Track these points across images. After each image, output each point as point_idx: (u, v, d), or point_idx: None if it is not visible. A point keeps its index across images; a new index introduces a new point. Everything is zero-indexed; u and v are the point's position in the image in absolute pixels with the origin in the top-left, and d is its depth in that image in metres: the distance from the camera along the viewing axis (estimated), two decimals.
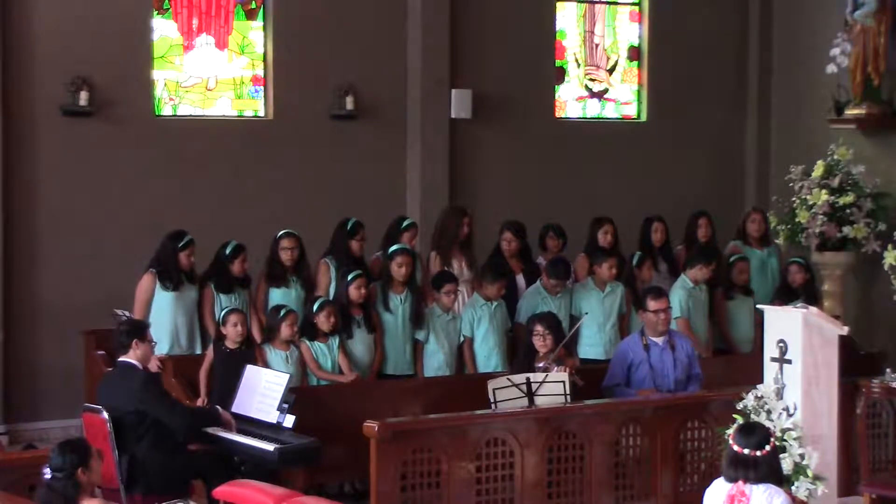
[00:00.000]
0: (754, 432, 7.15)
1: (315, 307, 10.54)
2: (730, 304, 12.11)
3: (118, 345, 9.26)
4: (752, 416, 8.40)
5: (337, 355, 10.55)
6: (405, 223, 11.67)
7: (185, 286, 10.82)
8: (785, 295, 11.69)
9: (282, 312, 10.37)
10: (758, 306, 10.47)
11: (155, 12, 13.11)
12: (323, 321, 10.49)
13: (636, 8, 15.61)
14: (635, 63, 15.63)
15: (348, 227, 11.33)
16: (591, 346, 11.64)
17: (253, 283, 11.15)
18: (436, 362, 11.05)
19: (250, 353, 10.19)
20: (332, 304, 10.62)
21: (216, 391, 10.12)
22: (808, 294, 11.78)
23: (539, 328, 10.29)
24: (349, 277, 10.74)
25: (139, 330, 9.30)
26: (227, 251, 10.94)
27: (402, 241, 11.43)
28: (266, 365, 10.15)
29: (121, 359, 9.24)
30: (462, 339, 11.20)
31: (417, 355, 11.07)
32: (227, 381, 9.93)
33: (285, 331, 10.33)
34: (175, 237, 10.88)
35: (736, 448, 7.08)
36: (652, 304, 10.53)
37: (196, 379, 10.36)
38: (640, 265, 11.90)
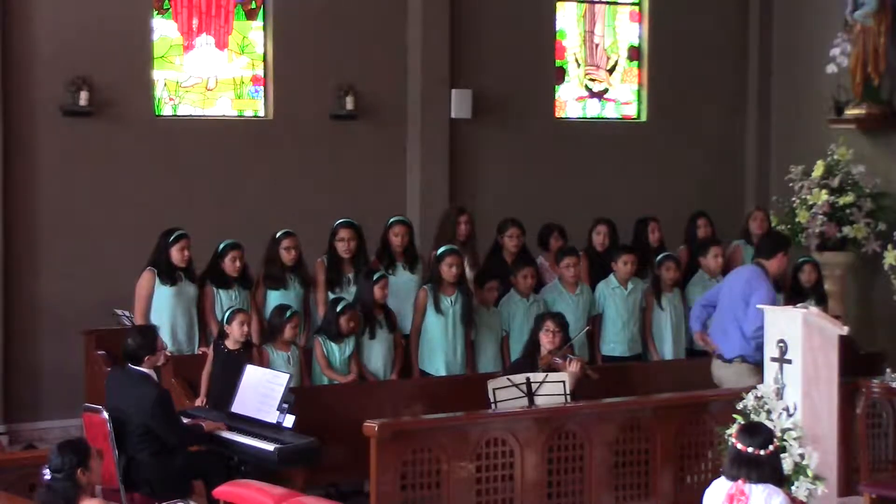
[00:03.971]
0: (758, 432, 7.17)
1: (339, 308, 10.52)
2: None
3: (130, 356, 9.22)
4: (752, 416, 8.41)
5: (347, 357, 10.55)
6: (390, 220, 11.62)
7: (183, 283, 10.81)
8: (796, 294, 11.68)
9: (287, 314, 10.36)
10: (758, 306, 10.46)
11: (155, 12, 13.12)
12: (344, 324, 10.49)
13: (636, 8, 15.61)
14: (635, 63, 15.63)
15: (332, 229, 11.33)
16: (615, 343, 11.65)
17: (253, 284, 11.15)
18: (486, 358, 11.14)
19: (249, 353, 10.18)
20: (354, 308, 10.61)
21: (215, 391, 10.11)
22: (818, 294, 11.79)
23: (550, 324, 10.30)
24: (374, 278, 10.74)
25: (152, 342, 9.28)
26: (220, 249, 10.95)
27: (390, 238, 11.42)
28: (266, 365, 10.16)
29: (131, 366, 9.22)
30: (503, 333, 11.29)
31: (469, 354, 11.13)
32: (225, 382, 9.92)
33: (289, 332, 10.33)
34: (167, 233, 10.89)
35: (739, 447, 7.09)
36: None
37: (195, 379, 10.34)
38: (661, 265, 11.90)
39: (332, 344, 10.52)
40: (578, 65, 15.35)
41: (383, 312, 10.79)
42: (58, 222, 12.64)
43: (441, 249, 11.15)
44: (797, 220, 13.92)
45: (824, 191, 13.87)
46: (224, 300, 10.83)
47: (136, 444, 8.95)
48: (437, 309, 10.98)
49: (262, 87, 13.69)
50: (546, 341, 10.27)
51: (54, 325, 12.47)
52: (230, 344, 10.13)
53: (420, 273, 11.43)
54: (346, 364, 10.57)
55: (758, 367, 9.63)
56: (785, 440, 8.26)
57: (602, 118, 15.54)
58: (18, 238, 12.49)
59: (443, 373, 10.95)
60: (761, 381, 9.10)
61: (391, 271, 11.20)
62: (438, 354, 10.98)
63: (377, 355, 10.73)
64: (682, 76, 15.58)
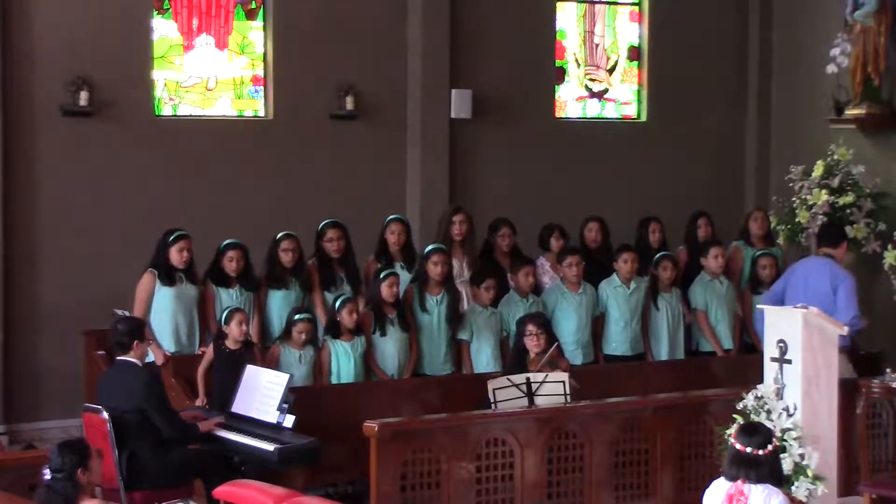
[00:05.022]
0: (757, 432, 7.19)
1: (337, 304, 10.54)
2: (756, 299, 12.02)
3: (118, 345, 9.28)
4: (752, 416, 8.41)
5: (360, 355, 10.54)
6: (387, 219, 11.63)
7: (183, 284, 10.81)
8: None
9: (296, 317, 10.39)
10: (758, 306, 10.47)
11: (155, 12, 13.11)
12: (346, 317, 10.48)
13: (636, 8, 15.61)
14: (635, 63, 15.63)
15: (318, 230, 11.33)
16: (617, 343, 11.65)
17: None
18: (484, 359, 11.10)
19: (250, 353, 10.19)
20: (353, 302, 10.62)
21: (216, 392, 10.11)
22: None
23: (531, 328, 10.29)
24: (381, 276, 10.76)
25: (138, 329, 9.34)
26: (220, 248, 10.97)
27: (387, 236, 11.43)
28: (274, 362, 10.18)
29: (119, 357, 9.26)
30: (503, 333, 11.26)
31: (463, 354, 11.11)
32: (227, 382, 9.93)
33: (295, 335, 10.36)
34: (167, 234, 10.90)
35: (738, 447, 7.10)
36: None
37: (196, 379, 10.35)
38: (658, 264, 11.89)
39: (342, 343, 10.52)
40: (578, 65, 15.35)
41: (396, 311, 10.79)
42: (58, 222, 12.64)
43: (428, 248, 11.16)
44: (797, 220, 13.90)
45: (824, 191, 13.85)
46: (224, 300, 10.83)
47: (135, 436, 8.96)
48: (422, 307, 10.98)
49: (262, 87, 13.68)
50: (532, 345, 10.25)
51: (54, 325, 12.47)
52: (230, 344, 10.14)
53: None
54: (361, 362, 10.56)
55: (849, 354, 10.53)
56: (785, 440, 8.25)
57: (602, 118, 15.53)
58: (18, 238, 12.48)
59: (426, 371, 10.97)
60: (852, 369, 10.04)
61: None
62: (422, 352, 10.97)
63: (390, 354, 10.74)
64: (682, 76, 15.58)
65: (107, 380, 9.41)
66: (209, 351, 10.31)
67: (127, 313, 11.10)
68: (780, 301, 10.69)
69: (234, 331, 10.10)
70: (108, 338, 11.20)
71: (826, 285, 10.62)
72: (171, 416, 9.14)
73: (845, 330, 8.75)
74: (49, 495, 7.22)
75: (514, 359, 10.41)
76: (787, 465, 8.11)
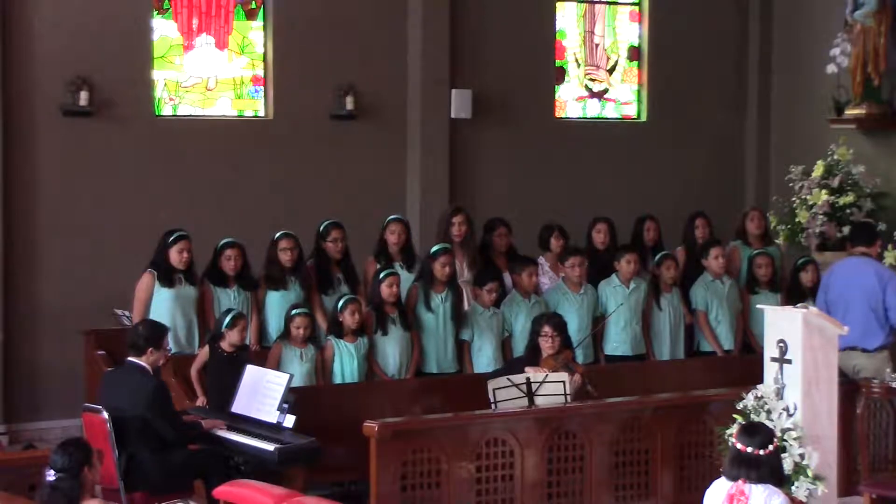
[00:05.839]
0: (758, 432, 7.19)
1: (340, 304, 10.54)
2: (753, 300, 12.03)
3: (132, 346, 9.24)
4: (752, 416, 8.41)
5: (363, 355, 10.54)
6: (387, 219, 11.63)
7: (182, 285, 10.80)
8: (796, 294, 11.66)
9: (293, 312, 10.38)
10: (758, 306, 10.47)
11: (155, 12, 13.12)
12: (348, 318, 10.47)
13: (636, 8, 15.61)
14: (635, 63, 15.63)
15: (320, 230, 11.32)
16: (618, 343, 11.63)
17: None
18: (484, 359, 11.09)
19: (246, 355, 10.17)
20: (356, 302, 10.62)
21: (212, 393, 10.09)
22: (815, 294, 11.78)
23: (547, 329, 10.26)
24: (381, 276, 10.76)
25: (158, 338, 9.27)
26: (217, 247, 10.96)
27: (387, 236, 11.43)
28: (275, 361, 10.17)
29: (130, 359, 9.23)
30: (506, 333, 11.24)
31: (464, 354, 11.12)
32: (222, 383, 9.91)
33: (293, 331, 10.36)
34: (168, 234, 10.89)
35: (739, 447, 7.11)
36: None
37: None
38: (660, 264, 11.88)
39: (346, 343, 10.51)
40: (578, 65, 15.35)
41: (397, 310, 10.79)
42: (58, 222, 12.64)
43: (434, 248, 11.16)
44: (797, 220, 13.90)
45: (824, 191, 13.86)
46: (223, 300, 10.82)
47: (135, 440, 8.95)
48: (427, 306, 10.98)
49: (262, 87, 13.69)
50: (546, 346, 10.24)
51: (54, 325, 12.47)
52: (226, 346, 10.10)
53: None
54: (364, 363, 10.56)
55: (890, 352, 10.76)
56: (785, 440, 8.26)
57: (602, 118, 15.54)
58: (18, 238, 12.48)
59: (434, 370, 10.98)
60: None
61: None
62: (429, 351, 10.99)
63: (392, 354, 10.75)
64: (682, 76, 15.58)
65: (111, 379, 9.39)
66: (203, 351, 10.28)
67: (127, 313, 11.13)
68: (827, 309, 10.62)
69: (234, 336, 10.06)
70: (108, 338, 11.25)
71: (874, 283, 10.69)
72: (174, 421, 9.11)
73: (845, 330, 8.75)
74: (53, 495, 7.19)
75: (526, 358, 10.38)
76: (787, 465, 8.11)
